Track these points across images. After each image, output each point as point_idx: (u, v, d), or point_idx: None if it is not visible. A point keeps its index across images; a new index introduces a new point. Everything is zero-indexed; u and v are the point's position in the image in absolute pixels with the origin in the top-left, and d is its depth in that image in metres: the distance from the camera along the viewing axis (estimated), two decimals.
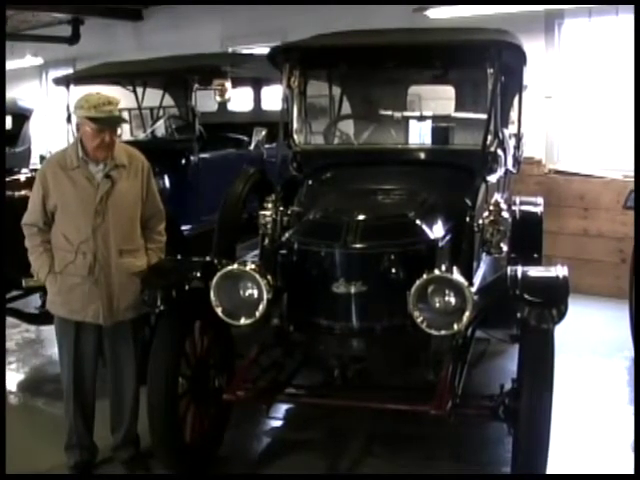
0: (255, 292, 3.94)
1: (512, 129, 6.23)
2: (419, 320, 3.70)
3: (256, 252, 5.88)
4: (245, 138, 7.88)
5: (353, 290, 3.80)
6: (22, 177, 6.16)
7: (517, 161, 6.41)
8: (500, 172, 5.37)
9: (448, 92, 6.55)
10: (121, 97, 8.60)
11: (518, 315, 3.75)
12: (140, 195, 4.36)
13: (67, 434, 4.56)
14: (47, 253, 4.29)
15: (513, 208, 6.13)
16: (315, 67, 5.62)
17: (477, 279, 4.60)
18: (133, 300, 4.31)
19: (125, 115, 11.15)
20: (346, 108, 6.50)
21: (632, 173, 6.75)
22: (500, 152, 5.13)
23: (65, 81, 7.67)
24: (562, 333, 4.00)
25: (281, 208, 4.74)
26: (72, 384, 4.45)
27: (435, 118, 5.87)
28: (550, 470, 3.92)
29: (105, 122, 4.11)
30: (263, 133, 6.78)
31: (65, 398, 4.53)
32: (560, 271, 3.92)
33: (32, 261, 4.34)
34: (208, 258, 4.62)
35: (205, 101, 8.01)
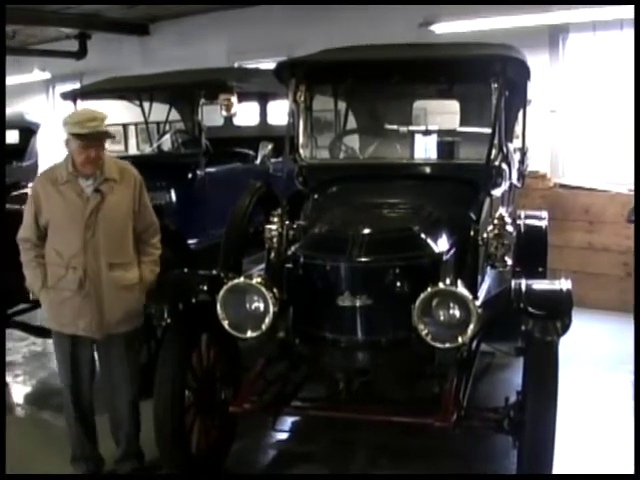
0: (261, 305, 3.97)
1: (517, 143, 6.24)
2: (424, 333, 3.72)
3: (262, 266, 5.89)
4: (251, 152, 7.90)
5: (358, 303, 3.81)
6: (29, 191, 6.18)
7: (522, 175, 6.42)
8: (505, 186, 5.37)
9: (453, 106, 6.58)
10: (128, 111, 8.71)
11: (522, 328, 3.78)
12: (132, 208, 4.35)
13: (71, 446, 4.59)
14: (40, 268, 4.31)
15: (518, 222, 6.14)
16: (321, 82, 5.63)
17: (481, 292, 4.61)
18: (124, 313, 4.32)
19: (131, 130, 11.30)
20: (352, 123, 6.52)
21: None
22: (504, 166, 5.13)
23: (72, 96, 7.70)
24: (566, 346, 4.02)
25: (287, 222, 4.73)
26: (70, 396, 4.47)
27: (440, 132, 5.89)
28: None
29: (89, 138, 4.13)
30: (269, 147, 6.78)
31: (65, 410, 4.57)
32: (564, 284, 3.95)
33: (26, 276, 4.37)
34: (215, 272, 4.64)
35: (211, 116, 8.04)
